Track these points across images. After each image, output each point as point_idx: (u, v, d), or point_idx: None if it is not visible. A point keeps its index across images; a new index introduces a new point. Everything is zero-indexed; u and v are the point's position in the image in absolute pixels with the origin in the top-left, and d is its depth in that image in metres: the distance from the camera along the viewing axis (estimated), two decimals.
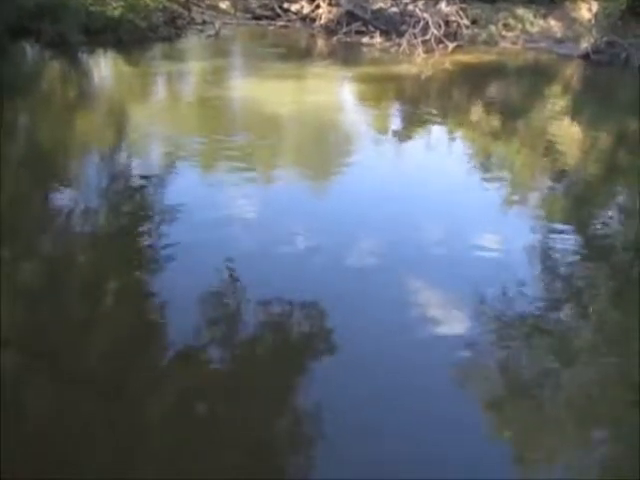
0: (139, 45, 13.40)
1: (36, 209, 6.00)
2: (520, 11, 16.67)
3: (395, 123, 10.40)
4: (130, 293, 4.69)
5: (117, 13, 13.53)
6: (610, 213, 7.27)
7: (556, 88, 13.49)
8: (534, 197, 7.53)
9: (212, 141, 8.39)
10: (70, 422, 3.26)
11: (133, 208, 6.15)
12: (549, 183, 7.99)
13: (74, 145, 8.20)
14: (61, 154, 7.79)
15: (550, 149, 9.24)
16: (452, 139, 9.59)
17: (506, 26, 16.52)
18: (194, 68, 12.86)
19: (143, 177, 6.87)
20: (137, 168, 7.29)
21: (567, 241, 6.10)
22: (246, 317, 4.42)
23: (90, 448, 3.12)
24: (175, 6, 15.74)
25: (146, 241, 5.43)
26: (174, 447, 3.17)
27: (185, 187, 6.64)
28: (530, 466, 3.39)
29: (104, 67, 13.10)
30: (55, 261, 5.10)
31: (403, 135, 9.40)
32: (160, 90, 11.73)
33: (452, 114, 10.88)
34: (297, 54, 14.54)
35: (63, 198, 6.32)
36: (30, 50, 12.42)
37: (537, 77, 14.13)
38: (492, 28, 16.38)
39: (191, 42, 14.99)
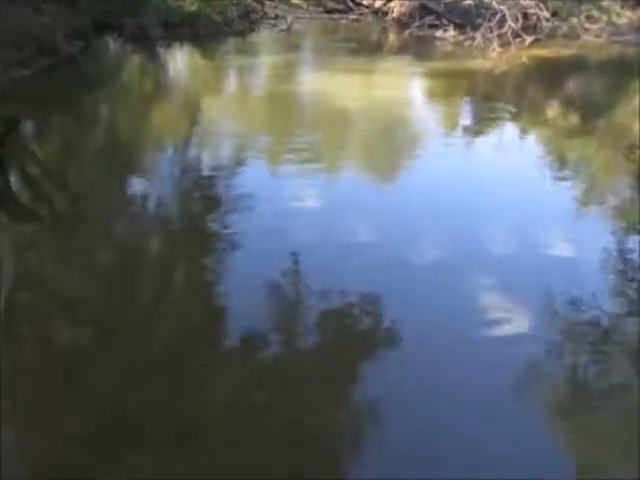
0: (214, 39, 13.77)
1: (112, 197, 6.31)
2: (606, 2, 15.79)
3: (466, 119, 10.14)
4: (196, 279, 4.86)
5: (194, 8, 13.98)
6: None
7: None
8: (611, 199, 7.14)
9: (281, 134, 8.50)
10: (134, 400, 3.41)
11: (202, 198, 6.35)
12: (629, 185, 7.55)
13: (149, 137, 8.56)
14: (137, 145, 8.15)
15: (633, 149, 8.72)
16: (525, 137, 9.24)
17: (589, 18, 15.70)
18: (266, 62, 13.07)
19: (213, 169, 7.10)
20: (208, 160, 7.52)
21: None
22: (305, 307, 4.46)
23: (151, 427, 3.26)
24: (249, 0, 16.04)
25: (213, 229, 5.61)
26: (228, 434, 3.26)
27: (253, 179, 6.78)
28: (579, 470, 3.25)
29: (180, 60, 13.56)
30: (128, 246, 5.34)
31: (473, 132, 9.15)
32: (232, 83, 12.02)
33: (527, 111, 10.48)
34: (368, 48, 14.46)
35: (137, 187, 6.62)
36: (113, 44, 13.04)
37: (621, 72, 13.33)
38: (574, 20, 15.60)
39: (263, 36, 15.24)
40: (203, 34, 13.64)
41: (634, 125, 9.84)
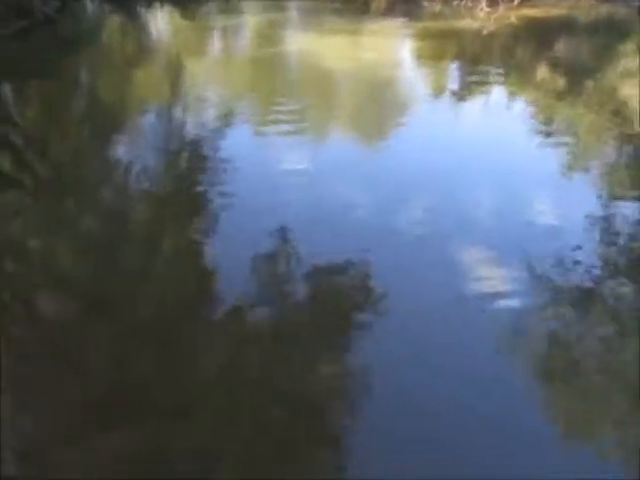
0: None
1: (96, 164, 6.19)
2: None
3: (454, 82, 10.03)
4: (186, 245, 4.83)
5: None
6: None
7: (630, 45, 12.61)
8: (597, 163, 7.17)
9: (268, 97, 8.36)
10: (125, 369, 3.42)
11: (189, 163, 6.26)
12: (615, 148, 7.57)
13: (132, 101, 8.36)
14: (120, 110, 7.96)
15: (619, 112, 8.72)
16: (513, 99, 9.18)
17: None
18: (250, 22, 12.74)
19: (200, 133, 6.97)
20: (194, 124, 7.38)
21: (630, 210, 5.81)
22: (294, 273, 4.47)
23: (144, 394, 3.28)
24: None
25: (200, 200, 5.54)
26: (222, 399, 3.29)
27: (240, 143, 6.69)
28: (566, 435, 3.35)
29: (161, 21, 13.16)
30: (115, 214, 5.28)
31: (461, 95, 9.07)
32: (216, 45, 11.72)
33: (515, 73, 10.38)
34: (355, 9, 14.14)
35: (122, 153, 6.50)
36: (90, 4, 12.59)
37: (610, 33, 13.23)
38: None
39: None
40: None
41: (621, 88, 9.82)
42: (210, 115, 7.74)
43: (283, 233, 4.93)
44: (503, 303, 4.21)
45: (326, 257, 4.58)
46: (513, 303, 4.22)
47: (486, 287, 4.39)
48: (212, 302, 4.15)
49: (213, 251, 4.73)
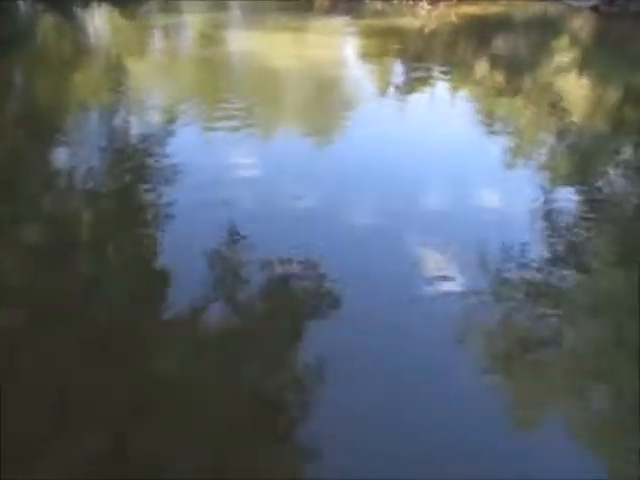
0: None
1: (37, 167, 5.94)
2: None
3: (398, 79, 10.18)
4: (134, 251, 4.69)
5: None
6: (615, 170, 7.19)
7: (564, 41, 13.15)
8: (538, 154, 7.43)
9: (212, 96, 8.24)
10: (76, 377, 3.30)
11: (133, 166, 6.09)
12: (554, 140, 7.87)
13: (71, 104, 8.07)
14: (59, 113, 7.67)
15: (556, 105, 9.06)
16: (456, 95, 9.40)
17: None
18: (192, 21, 12.53)
19: (143, 136, 6.80)
20: (137, 127, 7.19)
21: (570, 199, 6.04)
22: (247, 273, 4.42)
23: (98, 401, 3.17)
24: None
25: (147, 200, 5.40)
26: (179, 401, 3.22)
27: (185, 145, 6.56)
28: (516, 415, 3.45)
29: (99, 21, 12.77)
30: (57, 219, 5.08)
31: (405, 91, 9.21)
32: (158, 44, 11.47)
33: (456, 69, 10.63)
34: (298, 7, 14.13)
35: (63, 156, 6.26)
36: (23, 3, 12.08)
37: (545, 29, 13.74)
38: None
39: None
40: None
41: (557, 82, 10.22)
42: (154, 116, 7.56)
43: (232, 232, 4.87)
44: (453, 292, 4.30)
45: (277, 254, 4.55)
46: (462, 292, 4.31)
47: (436, 276, 4.46)
48: (163, 303, 4.05)
49: (162, 252, 4.62)
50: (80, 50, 10.60)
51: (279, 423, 3.21)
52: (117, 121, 7.44)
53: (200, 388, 3.33)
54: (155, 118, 7.47)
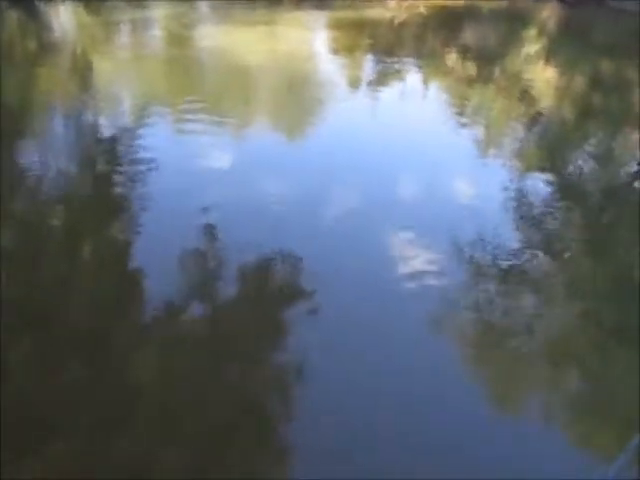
0: None
1: (6, 166, 5.79)
2: None
3: (369, 71, 10.18)
4: (109, 247, 4.62)
5: None
6: (584, 156, 7.32)
7: (532, 31, 13.31)
8: (509, 142, 7.53)
9: (181, 93, 8.13)
10: (55, 379, 3.23)
11: (104, 163, 5.98)
12: (524, 128, 7.97)
13: (37, 102, 7.88)
14: (23, 111, 7.48)
15: (526, 94, 9.18)
16: (427, 86, 9.45)
17: None
18: (159, 15, 12.33)
19: (114, 132, 6.68)
20: (106, 123, 7.06)
21: (541, 185, 6.14)
22: (224, 268, 4.39)
23: (77, 403, 3.12)
24: None
25: (118, 201, 5.31)
26: (159, 402, 3.19)
27: (155, 141, 6.46)
28: (495, 399, 3.51)
29: (64, 17, 12.48)
30: (30, 216, 4.96)
31: (378, 84, 9.22)
32: (124, 40, 11.26)
33: (427, 61, 10.68)
34: (267, 0, 14.01)
35: (29, 157, 6.11)
36: None
37: (513, 20, 13.90)
38: None
39: None
40: None
41: (525, 72, 10.35)
42: (122, 114, 7.43)
43: (208, 229, 4.82)
44: (430, 281, 4.33)
45: (254, 250, 4.53)
46: (439, 280, 4.35)
47: (413, 266, 4.50)
48: (141, 303, 4.00)
49: (137, 252, 4.56)
50: (44, 47, 10.35)
51: (261, 420, 3.20)
52: (84, 120, 7.29)
53: (176, 386, 3.30)
54: (123, 116, 7.35)
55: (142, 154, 6.02)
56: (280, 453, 3.04)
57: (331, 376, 3.43)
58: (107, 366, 3.38)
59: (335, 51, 11.01)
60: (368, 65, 10.53)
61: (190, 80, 8.77)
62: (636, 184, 6.50)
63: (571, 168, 6.87)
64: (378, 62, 10.55)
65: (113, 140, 6.42)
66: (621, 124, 8.33)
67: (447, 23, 12.98)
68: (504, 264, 4.73)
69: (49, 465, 2.78)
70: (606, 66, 10.66)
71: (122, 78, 8.66)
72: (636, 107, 9.11)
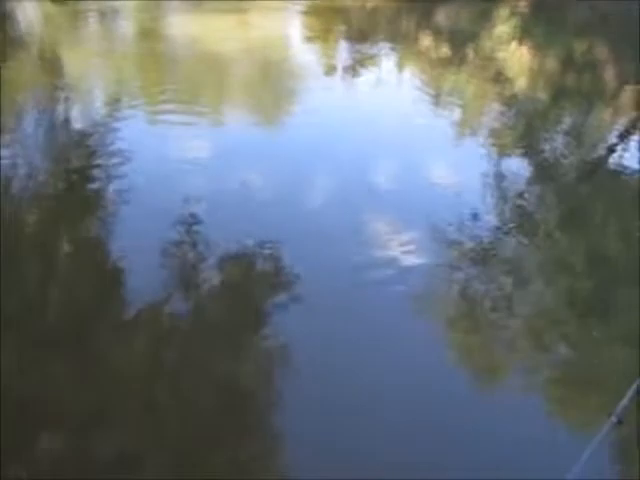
0: None
1: None
2: None
3: (344, 57, 10.12)
4: (89, 242, 4.56)
5: None
6: (559, 135, 7.42)
7: (504, 11, 13.34)
8: (485, 124, 7.58)
9: (154, 85, 8.00)
10: (38, 378, 3.19)
11: (79, 158, 5.86)
12: (500, 109, 8.03)
13: (6, 97, 7.67)
14: None
15: (500, 74, 9.24)
16: (403, 70, 9.44)
17: None
18: (127, 4, 12.06)
19: (86, 126, 6.55)
20: (78, 117, 6.91)
21: (518, 166, 6.22)
22: (205, 262, 4.36)
23: (60, 402, 3.09)
24: None
25: (95, 194, 5.23)
26: (145, 397, 3.18)
27: (131, 134, 6.35)
28: (475, 374, 3.59)
29: (29, 6, 12.12)
30: (5, 216, 4.86)
31: (353, 69, 9.18)
32: (93, 30, 10.99)
33: (401, 44, 10.66)
34: None
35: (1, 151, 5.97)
36: None
37: (484, 1, 13.89)
38: None
39: None
40: None
41: (499, 52, 10.40)
42: (94, 107, 7.28)
43: (189, 222, 4.78)
44: (410, 263, 4.37)
45: (235, 239, 4.51)
46: (419, 261, 4.40)
47: (392, 250, 4.53)
48: (125, 296, 3.97)
49: (119, 245, 4.51)
50: (8, 42, 10.05)
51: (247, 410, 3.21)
52: (55, 115, 7.12)
53: (162, 379, 3.29)
54: (96, 110, 7.20)
55: (117, 147, 5.92)
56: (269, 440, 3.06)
57: (316, 362, 3.45)
58: (90, 360, 3.34)
59: (309, 38, 10.91)
60: (343, 51, 10.46)
61: (163, 71, 8.62)
62: (610, 160, 6.62)
63: (547, 147, 6.96)
64: (352, 48, 10.49)
65: (86, 134, 6.30)
66: (594, 103, 8.45)
67: (419, 6, 12.93)
68: (483, 244, 4.79)
69: (35, 465, 2.76)
70: (579, 46, 10.77)
71: (92, 71, 8.47)
72: (608, 86, 9.24)
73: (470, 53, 10.37)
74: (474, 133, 7.30)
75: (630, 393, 2.79)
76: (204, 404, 3.18)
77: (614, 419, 2.69)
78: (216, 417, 3.13)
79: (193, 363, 3.42)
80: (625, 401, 2.75)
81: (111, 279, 4.18)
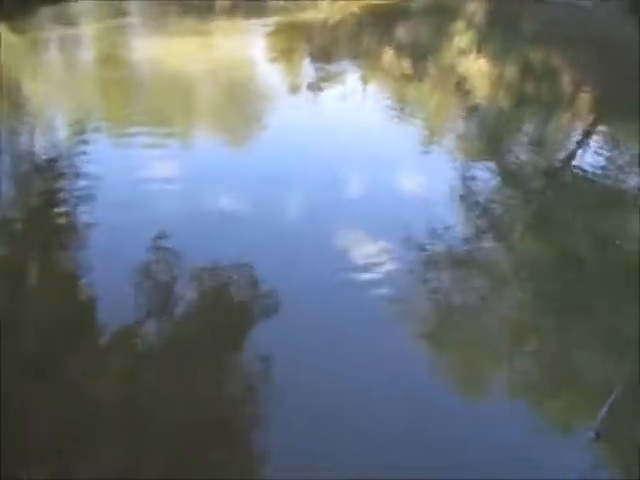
0: (21, 9, 12.27)
1: None
2: None
3: (308, 75, 10.25)
4: (58, 274, 4.50)
5: None
6: (521, 142, 7.64)
7: (461, 24, 13.72)
8: (449, 134, 7.76)
9: (120, 109, 7.98)
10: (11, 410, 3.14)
11: (45, 188, 5.79)
12: (463, 119, 8.24)
13: None
14: None
15: (461, 86, 9.48)
16: (366, 86, 9.61)
17: None
18: (91, 31, 12.03)
19: (52, 154, 6.49)
20: (44, 146, 6.84)
21: (484, 174, 6.37)
22: (179, 281, 4.35)
23: (38, 432, 3.04)
24: None
25: (65, 219, 5.18)
26: (126, 425, 3.15)
27: (99, 159, 6.32)
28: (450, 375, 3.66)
29: None
30: None
31: (317, 87, 9.30)
32: (56, 58, 10.92)
33: (364, 60, 10.86)
34: (199, 9, 13.88)
35: None
36: None
37: (442, 15, 14.28)
38: None
39: (82, 2, 13.92)
40: (6, 2, 12.06)
41: (458, 64, 10.68)
42: (59, 135, 7.21)
43: (161, 242, 4.77)
44: (383, 275, 4.44)
45: (208, 261, 4.52)
46: (392, 269, 4.47)
47: (365, 263, 4.59)
48: (94, 322, 3.93)
49: (87, 269, 4.46)
50: None
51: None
52: (18, 143, 7.04)
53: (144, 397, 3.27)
54: (60, 137, 7.13)
55: (84, 173, 5.88)
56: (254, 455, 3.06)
57: (297, 370, 3.47)
58: (65, 384, 3.30)
59: (273, 57, 11.03)
60: (307, 69, 10.60)
61: (128, 96, 8.60)
62: (572, 164, 6.84)
63: (510, 154, 7.16)
64: (316, 65, 10.64)
65: (51, 161, 6.24)
66: (553, 109, 8.73)
67: (379, 22, 13.21)
68: (453, 250, 4.90)
69: None
70: (534, 55, 11.14)
71: (56, 98, 8.41)
72: (565, 92, 9.57)
73: (431, 66, 10.63)
74: (439, 143, 7.47)
75: (606, 406, 2.79)
76: (185, 421, 3.16)
77: (592, 434, 2.66)
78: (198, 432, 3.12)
79: (172, 382, 3.41)
80: (602, 414, 2.73)
81: (81, 300, 4.14)
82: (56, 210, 5.30)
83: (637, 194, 6.19)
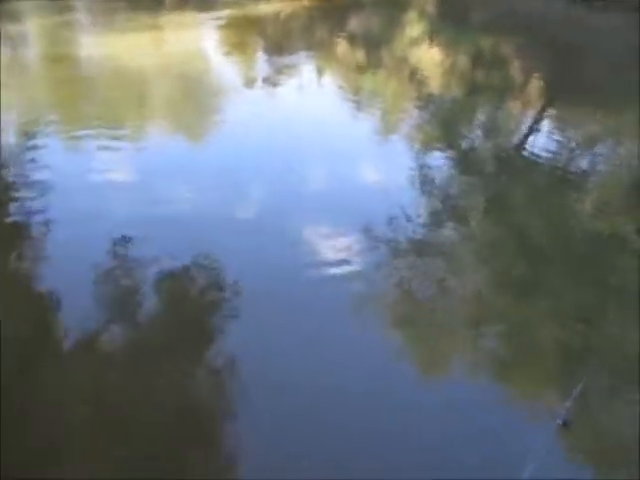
0: None
1: None
2: None
3: (263, 67, 10.21)
4: (16, 276, 4.38)
5: None
6: (476, 129, 7.81)
7: (412, 15, 13.89)
8: (405, 124, 7.86)
9: (72, 110, 7.77)
10: None
11: None
12: (418, 108, 8.35)
13: None
14: None
15: (414, 75, 9.61)
16: (322, 77, 9.63)
17: None
18: (37, 27, 11.65)
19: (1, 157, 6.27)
20: None
21: (441, 161, 6.49)
22: (142, 286, 4.29)
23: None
24: None
25: (19, 221, 5.03)
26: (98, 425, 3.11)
27: (52, 158, 6.14)
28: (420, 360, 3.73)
29: None
30: None
31: (273, 79, 9.27)
32: (1, 57, 10.51)
33: (318, 52, 10.87)
34: (148, 4, 13.60)
35: None
36: None
37: (393, 6, 14.41)
38: None
39: (23, 3, 13.44)
40: None
41: (411, 54, 10.82)
42: (9, 136, 6.97)
43: (118, 243, 4.69)
44: (348, 267, 4.48)
45: (171, 259, 4.47)
46: (356, 260, 4.52)
47: (331, 255, 4.63)
48: (61, 327, 3.84)
49: (47, 278, 4.35)
50: None
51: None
52: None
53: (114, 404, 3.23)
54: (11, 139, 6.89)
55: (36, 177, 5.71)
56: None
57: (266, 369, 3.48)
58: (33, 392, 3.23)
59: (228, 51, 10.92)
60: (261, 61, 10.55)
61: (79, 95, 8.38)
62: (524, 149, 7.03)
63: (465, 142, 7.31)
64: (270, 58, 10.60)
65: (3, 163, 6.04)
66: (504, 96, 8.95)
67: (331, 14, 13.24)
68: (415, 238, 4.98)
69: None
70: (485, 44, 11.37)
71: (2, 99, 8.11)
72: (516, 80, 9.82)
73: (385, 56, 10.73)
74: (396, 133, 7.56)
75: (574, 394, 2.81)
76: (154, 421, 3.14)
77: (559, 421, 2.66)
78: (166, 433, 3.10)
79: (139, 384, 3.37)
80: (569, 403, 2.75)
81: (43, 308, 4.04)
82: (9, 217, 5.14)
83: (582, 174, 6.46)
